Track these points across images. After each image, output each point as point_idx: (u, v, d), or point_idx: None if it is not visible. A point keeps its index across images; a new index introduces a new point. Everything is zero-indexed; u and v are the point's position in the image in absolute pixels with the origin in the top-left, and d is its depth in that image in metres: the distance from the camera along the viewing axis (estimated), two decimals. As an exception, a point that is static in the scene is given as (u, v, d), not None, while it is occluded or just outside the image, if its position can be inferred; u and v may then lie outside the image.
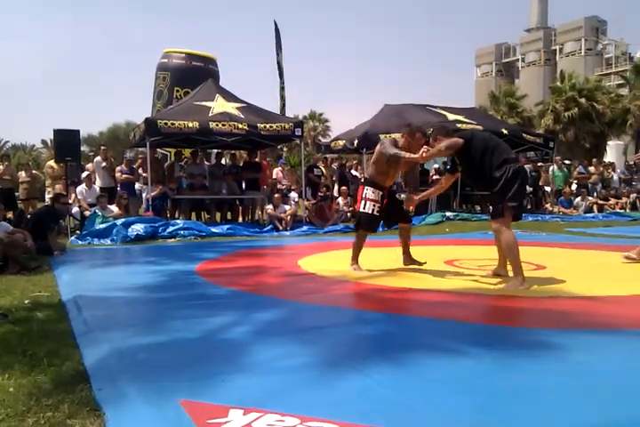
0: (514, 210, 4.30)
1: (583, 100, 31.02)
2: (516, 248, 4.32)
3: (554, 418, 1.85)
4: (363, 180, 5.45)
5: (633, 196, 15.25)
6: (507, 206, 4.27)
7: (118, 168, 11.11)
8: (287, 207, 10.36)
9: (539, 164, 16.66)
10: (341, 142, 13.78)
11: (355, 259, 5.22)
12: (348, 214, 11.58)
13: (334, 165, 14.35)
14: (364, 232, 5.24)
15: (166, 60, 14.90)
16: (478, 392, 2.09)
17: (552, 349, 2.63)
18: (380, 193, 5.06)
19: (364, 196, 5.10)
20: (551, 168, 15.77)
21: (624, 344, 2.83)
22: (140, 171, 11.46)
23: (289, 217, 10.06)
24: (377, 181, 5.10)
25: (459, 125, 12.82)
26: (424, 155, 4.51)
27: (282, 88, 16.75)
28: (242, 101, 11.00)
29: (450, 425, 1.77)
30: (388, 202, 5.12)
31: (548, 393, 2.08)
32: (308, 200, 11.57)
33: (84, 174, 10.61)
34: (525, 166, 15.53)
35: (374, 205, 5.04)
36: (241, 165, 12.37)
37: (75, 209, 9.76)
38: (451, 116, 13.22)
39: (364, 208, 5.10)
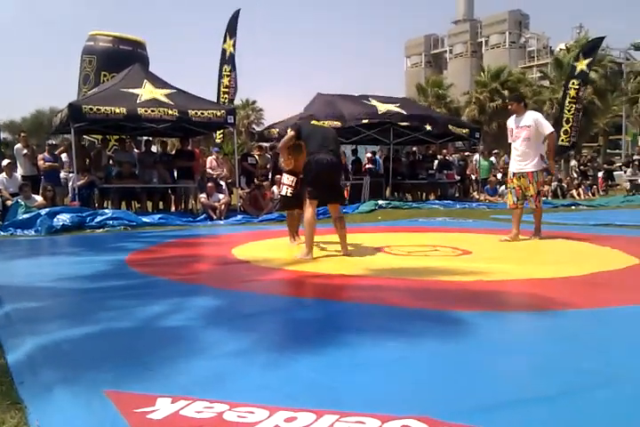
0: (308, 194, 5.24)
1: (506, 93, 32.19)
2: (310, 226, 5.21)
3: (476, 395, 1.94)
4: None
5: (554, 184, 16.03)
6: (304, 190, 5.32)
7: (41, 156, 10.64)
8: (221, 196, 10.25)
9: (466, 153, 17.23)
10: (275, 131, 13.74)
11: (292, 236, 6.30)
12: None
13: (268, 154, 14.29)
14: (285, 211, 6.46)
15: (92, 44, 14.27)
16: (401, 373, 2.17)
17: (474, 329, 2.76)
18: (294, 178, 5.96)
19: (282, 181, 6.18)
20: (475, 157, 16.35)
21: (539, 323, 3.01)
22: (65, 158, 11.01)
23: (223, 206, 9.96)
24: (291, 169, 5.96)
25: (388, 120, 13.14)
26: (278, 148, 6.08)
27: (226, 75, 16.39)
28: (172, 87, 10.73)
29: (372, 404, 1.82)
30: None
31: (470, 372, 2.18)
32: (242, 189, 11.49)
33: (5, 162, 10.10)
34: (453, 156, 16.13)
35: (287, 189, 6.04)
36: (173, 153, 12.11)
37: (-5, 199, 9.29)
38: (382, 107, 13.45)
39: (282, 191, 6.21)
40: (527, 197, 6.56)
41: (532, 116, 6.40)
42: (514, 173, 6.59)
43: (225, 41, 16.36)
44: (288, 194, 6.05)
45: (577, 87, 17.53)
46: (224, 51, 16.40)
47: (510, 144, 6.70)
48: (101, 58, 13.97)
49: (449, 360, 2.32)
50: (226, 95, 16.24)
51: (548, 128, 6.34)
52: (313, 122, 5.78)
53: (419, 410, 1.77)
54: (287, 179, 6.08)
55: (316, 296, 3.77)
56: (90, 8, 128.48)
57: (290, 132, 5.51)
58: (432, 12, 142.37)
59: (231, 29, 16.27)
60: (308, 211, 5.25)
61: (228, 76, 16.35)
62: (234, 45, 16.24)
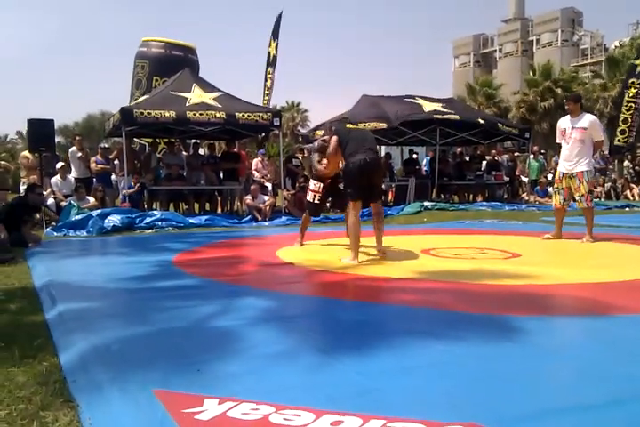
0: (350, 196, 5.23)
1: (559, 91, 31.34)
2: (355, 229, 5.11)
3: (524, 402, 1.88)
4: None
5: (607, 185, 15.52)
6: (346, 193, 5.32)
7: (93, 158, 11.00)
8: (266, 198, 10.33)
9: (515, 154, 16.85)
10: (320, 133, 13.76)
11: (300, 238, 6.36)
12: (327, 204, 11.59)
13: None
14: (308, 216, 6.40)
15: (145, 49, 14.68)
16: (449, 377, 2.12)
17: (523, 334, 2.68)
18: (321, 184, 6.06)
19: (309, 187, 6.24)
20: (528, 157, 15.95)
21: (588, 328, 2.91)
22: (116, 161, 11.34)
23: (268, 207, 10.03)
24: (318, 175, 6.04)
25: (436, 116, 12.92)
26: (327, 155, 5.62)
27: (269, 78, 16.62)
28: (219, 91, 10.92)
29: (419, 409, 1.79)
30: (332, 189, 6.12)
31: (517, 378, 2.12)
32: (287, 191, 11.55)
33: (59, 165, 10.47)
34: (503, 156, 15.78)
35: (314, 195, 6.14)
36: (219, 155, 12.29)
37: (50, 200, 9.62)
38: (428, 106, 13.28)
39: (308, 197, 6.26)
40: (577, 198, 6.39)
41: (589, 119, 6.30)
42: (563, 174, 6.45)
43: (270, 44, 16.56)
44: (315, 200, 6.17)
45: (638, 86, 16.91)
46: (269, 53, 16.59)
47: (559, 144, 6.58)
48: (154, 63, 14.32)
49: (497, 366, 2.26)
50: (267, 97, 16.45)
51: (600, 135, 6.41)
52: (349, 125, 5.71)
53: (465, 416, 1.73)
54: (313, 185, 6.14)
55: (362, 299, 3.74)
56: (140, 14, 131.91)
57: (334, 138, 5.36)
58: (480, 12, 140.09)
59: (275, 32, 16.44)
60: (353, 214, 5.22)
61: (270, 78, 16.55)
62: (276, 48, 16.41)
